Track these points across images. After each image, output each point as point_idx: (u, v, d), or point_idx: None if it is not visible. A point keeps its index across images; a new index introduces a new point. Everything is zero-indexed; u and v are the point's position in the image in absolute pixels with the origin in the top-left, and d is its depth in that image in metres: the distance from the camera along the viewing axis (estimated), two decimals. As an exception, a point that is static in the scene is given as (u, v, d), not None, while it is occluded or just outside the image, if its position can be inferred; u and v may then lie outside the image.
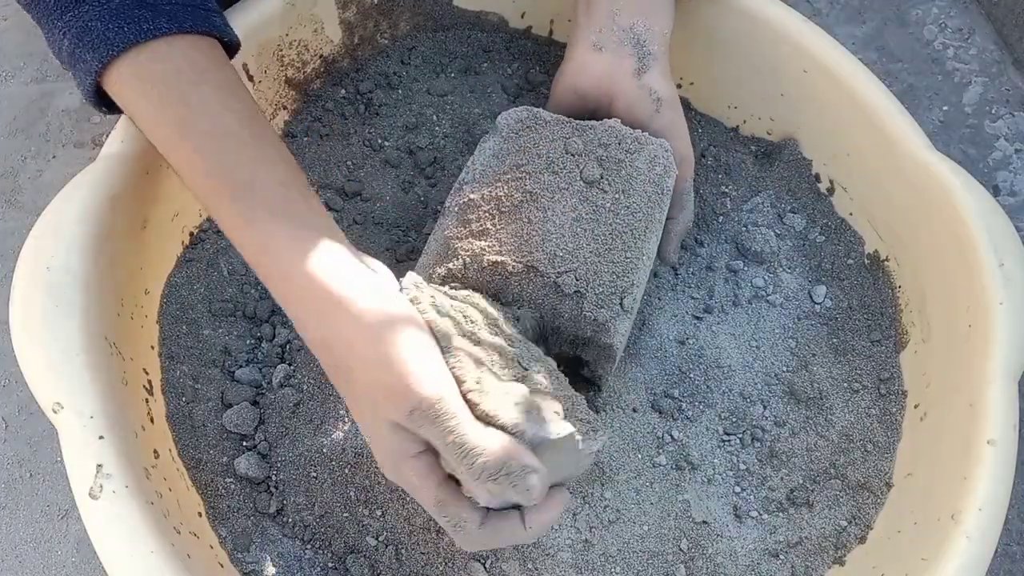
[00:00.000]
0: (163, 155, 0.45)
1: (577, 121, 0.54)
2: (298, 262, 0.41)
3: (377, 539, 0.49)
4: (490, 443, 0.37)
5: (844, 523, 0.52)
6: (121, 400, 0.45)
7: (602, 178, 0.51)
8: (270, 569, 0.48)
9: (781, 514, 0.53)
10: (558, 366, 0.45)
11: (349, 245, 0.44)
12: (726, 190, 0.63)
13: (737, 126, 0.67)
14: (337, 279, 0.41)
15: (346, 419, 0.51)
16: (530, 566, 0.48)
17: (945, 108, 0.82)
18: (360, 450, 0.50)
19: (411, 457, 0.39)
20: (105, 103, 0.46)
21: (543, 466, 0.38)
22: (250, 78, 0.58)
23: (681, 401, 0.55)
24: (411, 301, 0.43)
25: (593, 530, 0.50)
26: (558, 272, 0.48)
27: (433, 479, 0.40)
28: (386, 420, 0.39)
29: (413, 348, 0.39)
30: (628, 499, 0.51)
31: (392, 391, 0.38)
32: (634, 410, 0.54)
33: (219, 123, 0.44)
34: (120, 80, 0.44)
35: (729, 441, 0.55)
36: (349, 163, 0.61)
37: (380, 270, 0.44)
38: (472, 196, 0.51)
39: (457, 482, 0.40)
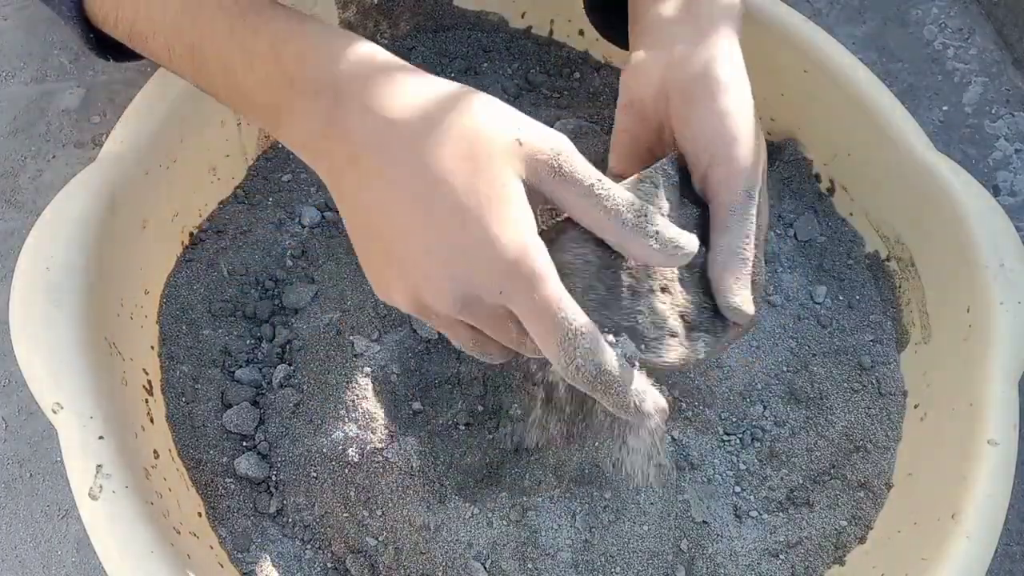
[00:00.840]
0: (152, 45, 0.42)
1: None
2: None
3: (377, 539, 0.49)
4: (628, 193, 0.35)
5: (844, 523, 0.52)
6: (121, 400, 0.45)
7: None
8: (270, 569, 0.48)
9: (781, 514, 0.53)
10: None
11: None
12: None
13: (737, 126, 0.67)
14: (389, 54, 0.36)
15: (346, 419, 0.51)
16: (530, 566, 0.48)
17: (945, 108, 0.82)
18: (361, 450, 0.50)
19: (535, 234, 0.34)
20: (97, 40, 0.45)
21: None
22: (250, 78, 0.58)
23: (681, 401, 0.55)
24: None
25: (593, 530, 0.50)
26: None
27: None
28: (518, 179, 0.34)
29: (512, 109, 0.35)
30: (628, 499, 0.51)
31: (523, 147, 0.34)
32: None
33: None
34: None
35: (729, 441, 0.55)
36: (349, 163, 0.61)
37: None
38: None
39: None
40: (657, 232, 0.35)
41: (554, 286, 0.34)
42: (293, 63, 0.37)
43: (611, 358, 0.35)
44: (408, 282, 0.36)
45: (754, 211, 0.40)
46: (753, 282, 0.40)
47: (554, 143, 0.35)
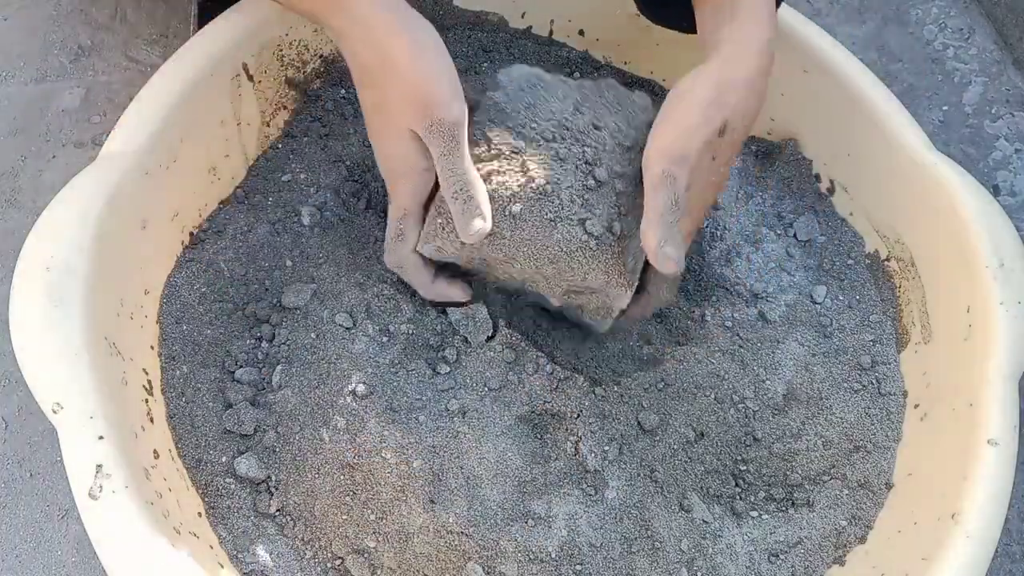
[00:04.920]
0: None
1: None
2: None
3: (377, 539, 0.49)
4: (476, 179, 0.49)
5: (844, 523, 0.52)
6: (121, 400, 0.45)
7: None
8: (270, 569, 0.48)
9: (781, 514, 0.53)
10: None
11: None
12: (725, 190, 0.63)
13: (737, 126, 0.67)
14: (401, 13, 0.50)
15: (346, 419, 0.51)
16: (530, 567, 0.48)
17: (945, 108, 0.82)
18: (360, 450, 0.50)
19: (413, 172, 0.50)
20: None
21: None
22: (250, 78, 0.58)
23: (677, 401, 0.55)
24: None
25: (594, 531, 0.50)
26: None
27: (418, 198, 0.51)
28: (406, 127, 0.49)
29: (452, 80, 0.50)
30: (628, 499, 0.51)
31: (424, 103, 0.48)
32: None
33: None
34: None
35: (729, 441, 0.55)
36: (349, 163, 0.61)
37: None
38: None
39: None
40: (463, 213, 0.49)
41: (404, 199, 0.52)
42: None
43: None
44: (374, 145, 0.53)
45: (670, 185, 0.48)
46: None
47: (440, 114, 0.48)
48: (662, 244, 0.48)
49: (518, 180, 0.50)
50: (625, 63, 0.71)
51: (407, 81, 0.48)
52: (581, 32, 0.69)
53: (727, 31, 0.51)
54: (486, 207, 0.49)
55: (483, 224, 0.49)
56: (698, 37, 0.54)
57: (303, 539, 0.49)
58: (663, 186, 0.48)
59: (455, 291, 0.54)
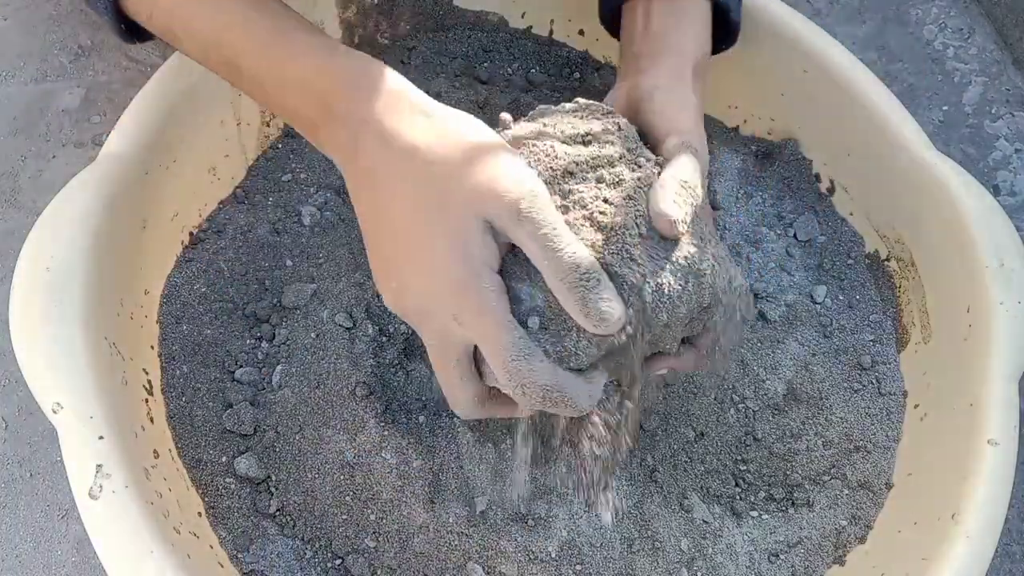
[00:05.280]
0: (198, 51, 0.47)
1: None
2: (367, 70, 0.43)
3: (377, 539, 0.49)
4: (582, 249, 0.39)
5: (844, 523, 0.52)
6: (121, 400, 0.45)
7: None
8: (270, 569, 0.48)
9: (781, 514, 0.53)
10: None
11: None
12: (725, 190, 0.63)
13: (737, 126, 0.67)
14: (409, 87, 0.43)
15: (346, 419, 0.51)
16: (530, 567, 0.48)
17: (945, 108, 0.82)
18: (360, 450, 0.50)
19: (488, 276, 0.39)
20: (128, 28, 0.49)
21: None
22: (250, 78, 0.58)
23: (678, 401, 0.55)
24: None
25: (594, 531, 0.50)
26: None
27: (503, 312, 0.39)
28: (477, 217, 0.39)
29: (502, 147, 0.41)
30: (628, 499, 0.51)
31: (490, 187, 0.38)
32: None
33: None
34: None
35: (729, 441, 0.55)
36: (349, 163, 0.61)
37: None
38: None
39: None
40: (589, 301, 0.38)
41: (499, 316, 0.39)
42: (326, 95, 0.43)
43: (552, 375, 0.39)
44: (389, 283, 0.42)
45: (695, 158, 0.45)
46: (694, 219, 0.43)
47: (520, 190, 0.39)
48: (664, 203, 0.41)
49: (595, 238, 0.40)
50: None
51: (469, 160, 0.40)
52: (581, 32, 0.69)
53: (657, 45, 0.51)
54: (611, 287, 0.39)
55: (620, 307, 0.39)
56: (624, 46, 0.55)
57: (303, 539, 0.49)
58: (682, 151, 0.44)
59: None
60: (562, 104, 0.46)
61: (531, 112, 0.46)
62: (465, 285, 0.39)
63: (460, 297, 0.39)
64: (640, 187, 0.42)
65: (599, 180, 0.42)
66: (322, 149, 0.45)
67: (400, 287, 0.41)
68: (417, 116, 0.42)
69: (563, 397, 0.39)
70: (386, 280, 0.42)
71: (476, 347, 0.41)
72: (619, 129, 0.44)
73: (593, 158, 0.42)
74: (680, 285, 0.41)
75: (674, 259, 0.41)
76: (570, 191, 0.41)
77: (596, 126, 0.44)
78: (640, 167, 0.43)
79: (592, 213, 0.40)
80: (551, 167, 0.42)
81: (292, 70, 0.44)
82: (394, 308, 0.43)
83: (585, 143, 0.43)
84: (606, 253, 0.40)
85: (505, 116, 0.46)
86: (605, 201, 0.41)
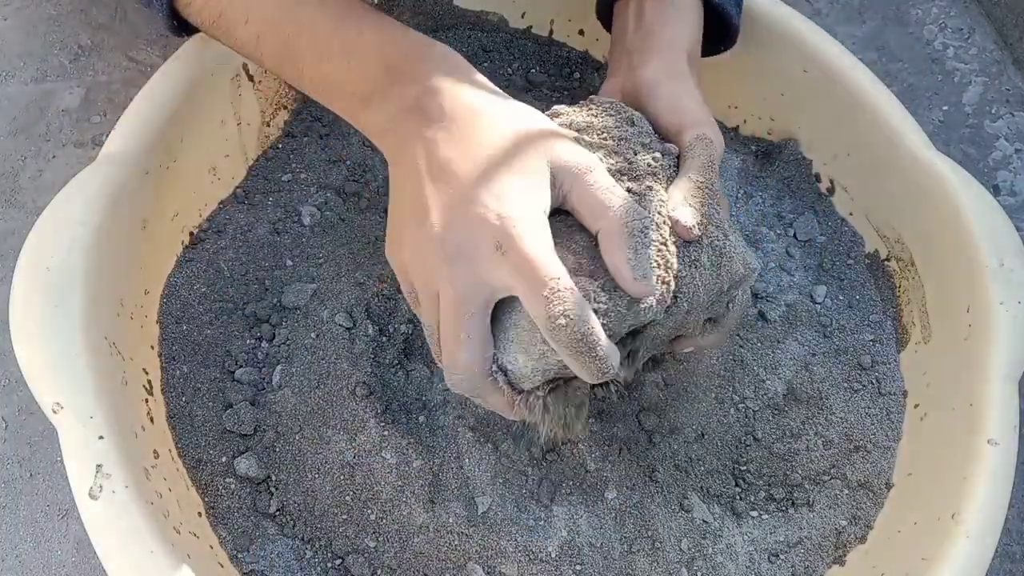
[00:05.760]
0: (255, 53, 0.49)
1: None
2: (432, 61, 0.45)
3: (377, 539, 0.49)
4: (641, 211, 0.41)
5: (844, 523, 0.52)
6: (121, 400, 0.45)
7: None
8: (270, 569, 0.48)
9: (781, 514, 0.53)
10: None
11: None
12: (725, 190, 0.64)
13: (737, 126, 0.67)
14: (473, 69, 0.46)
15: (346, 419, 0.51)
16: (530, 567, 0.48)
17: (945, 108, 0.82)
18: (360, 450, 0.50)
19: (541, 216, 0.40)
20: (181, 26, 0.50)
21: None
22: (250, 78, 0.58)
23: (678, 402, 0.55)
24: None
25: (594, 531, 0.50)
26: None
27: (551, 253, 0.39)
28: (548, 166, 0.41)
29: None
30: (628, 499, 0.51)
31: (563, 145, 0.41)
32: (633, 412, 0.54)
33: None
34: None
35: (729, 442, 0.55)
36: (349, 163, 0.61)
37: None
38: None
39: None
40: (637, 257, 0.40)
41: (544, 248, 0.39)
42: (399, 59, 0.45)
43: (593, 321, 0.38)
44: (422, 228, 0.41)
45: (711, 150, 0.46)
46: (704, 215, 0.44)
47: (586, 159, 0.42)
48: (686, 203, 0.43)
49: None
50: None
51: (540, 130, 0.42)
52: (581, 32, 0.69)
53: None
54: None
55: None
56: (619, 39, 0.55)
57: (303, 539, 0.49)
58: (700, 146, 0.46)
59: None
60: (576, 104, 0.48)
61: (546, 112, 0.47)
62: (522, 218, 0.39)
63: (513, 227, 0.38)
64: (660, 179, 0.44)
65: (620, 173, 0.44)
66: (364, 123, 0.46)
67: (445, 223, 0.40)
68: (482, 91, 0.44)
69: (596, 348, 0.38)
70: (418, 225, 0.41)
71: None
72: (632, 124, 0.46)
73: (615, 153, 0.44)
74: (702, 276, 0.43)
75: (694, 252, 0.43)
76: None
77: (610, 122, 0.45)
78: (656, 160, 0.45)
79: None
80: None
81: (365, 40, 0.45)
82: (401, 266, 0.43)
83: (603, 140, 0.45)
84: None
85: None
86: (629, 191, 0.43)
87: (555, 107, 0.48)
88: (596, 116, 0.46)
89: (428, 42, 0.46)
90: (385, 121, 0.44)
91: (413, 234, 0.41)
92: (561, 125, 0.46)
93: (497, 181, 0.40)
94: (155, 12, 0.50)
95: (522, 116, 0.43)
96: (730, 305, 0.46)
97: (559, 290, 0.37)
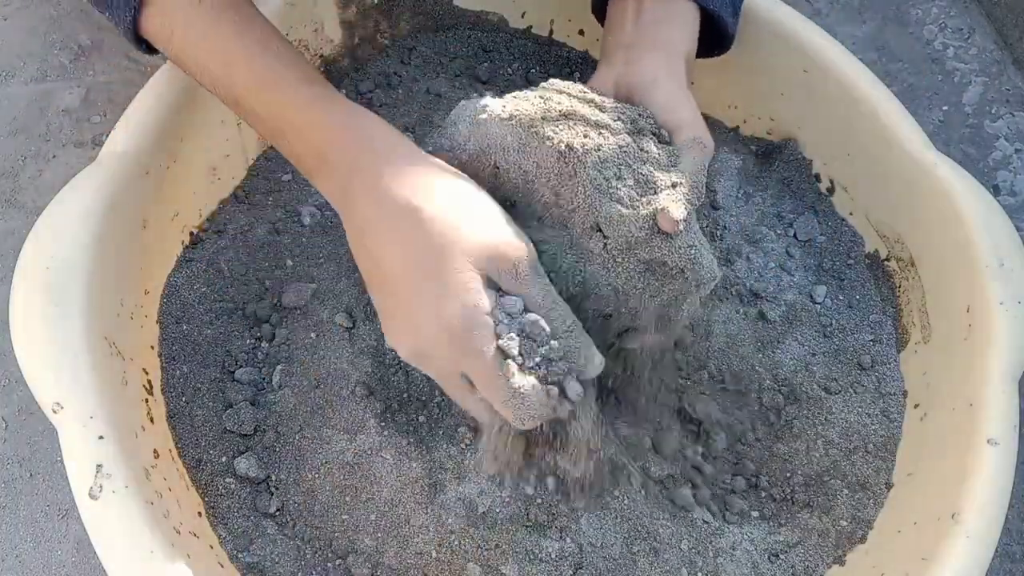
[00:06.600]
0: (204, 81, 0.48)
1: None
2: (356, 118, 0.45)
3: (377, 539, 0.49)
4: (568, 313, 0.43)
5: (844, 523, 0.52)
6: (121, 400, 0.45)
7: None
8: (270, 569, 0.48)
9: (781, 514, 0.53)
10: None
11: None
12: (725, 190, 0.63)
13: (737, 126, 0.67)
14: (400, 140, 0.45)
15: (345, 419, 0.51)
16: (530, 567, 0.48)
17: (945, 108, 0.82)
18: (359, 450, 0.50)
19: (488, 324, 0.41)
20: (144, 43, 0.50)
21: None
22: (250, 78, 0.58)
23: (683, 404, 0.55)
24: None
25: (594, 531, 0.50)
26: None
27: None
28: (477, 272, 0.41)
29: (494, 206, 0.44)
30: (628, 499, 0.51)
31: (493, 246, 0.41)
32: (634, 412, 0.54)
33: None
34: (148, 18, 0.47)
35: (729, 442, 0.55)
36: (349, 163, 0.61)
37: None
38: None
39: None
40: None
41: (492, 358, 0.41)
42: (321, 145, 0.45)
43: (552, 408, 0.42)
44: (388, 329, 0.44)
45: (705, 154, 0.48)
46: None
47: (520, 252, 0.42)
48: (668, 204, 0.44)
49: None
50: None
51: (467, 218, 0.42)
52: (581, 32, 0.69)
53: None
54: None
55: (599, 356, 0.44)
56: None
57: (303, 538, 0.49)
58: (696, 148, 0.47)
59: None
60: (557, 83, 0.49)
61: (516, 92, 0.47)
62: (461, 329, 0.41)
63: (455, 341, 0.41)
64: (651, 168, 0.45)
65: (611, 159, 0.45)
66: (321, 190, 0.47)
67: (401, 335, 0.43)
68: (407, 170, 0.43)
69: (564, 413, 0.43)
70: (384, 321, 0.44)
71: None
72: (626, 114, 0.47)
73: (617, 140, 0.45)
74: (668, 272, 0.45)
75: (667, 246, 0.44)
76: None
77: (607, 117, 0.46)
78: (648, 150, 0.46)
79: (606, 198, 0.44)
80: (586, 146, 0.44)
81: (290, 118, 0.46)
82: (400, 352, 0.44)
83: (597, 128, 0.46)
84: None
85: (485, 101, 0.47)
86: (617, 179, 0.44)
87: (543, 83, 0.48)
88: (589, 107, 0.47)
89: (352, 121, 0.46)
90: (331, 196, 0.46)
91: (387, 331, 0.45)
92: (557, 93, 0.47)
93: (429, 304, 0.41)
94: (120, 33, 0.50)
95: (451, 216, 0.42)
96: (684, 307, 0.47)
97: (508, 398, 0.41)
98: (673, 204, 0.43)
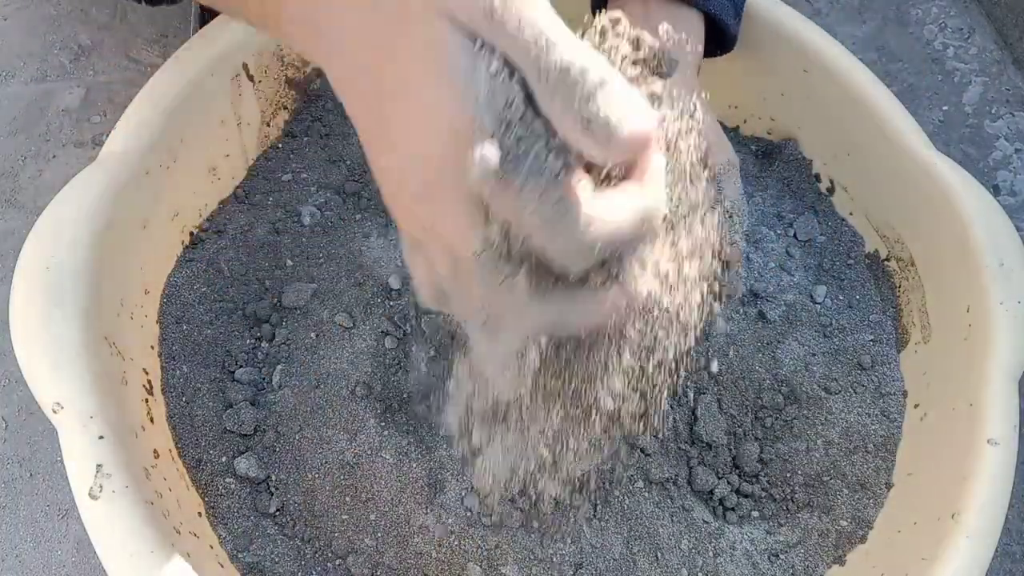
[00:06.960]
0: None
1: None
2: None
3: (377, 539, 0.49)
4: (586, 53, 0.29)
5: (844, 523, 0.52)
6: (121, 400, 0.45)
7: None
8: (270, 569, 0.48)
9: (781, 514, 0.53)
10: None
11: None
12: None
13: (737, 126, 0.67)
14: None
15: (345, 419, 0.51)
16: (530, 567, 0.48)
17: (945, 108, 0.82)
18: (360, 450, 0.50)
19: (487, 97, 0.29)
20: None
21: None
22: (250, 78, 0.58)
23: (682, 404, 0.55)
24: None
25: (594, 531, 0.50)
26: None
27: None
28: (443, 16, 0.29)
29: None
30: (629, 500, 0.51)
31: None
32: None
33: None
34: None
35: (729, 441, 0.55)
36: (349, 163, 0.61)
37: None
38: None
39: None
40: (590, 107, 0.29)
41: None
42: None
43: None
44: (378, 163, 0.33)
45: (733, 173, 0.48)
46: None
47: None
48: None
49: None
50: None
51: None
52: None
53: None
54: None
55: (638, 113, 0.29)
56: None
57: (303, 538, 0.49)
58: (732, 174, 0.47)
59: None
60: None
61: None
62: (460, 125, 0.29)
63: (458, 139, 0.29)
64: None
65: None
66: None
67: (390, 161, 0.32)
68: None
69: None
70: (375, 158, 0.33)
71: None
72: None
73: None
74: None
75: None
76: None
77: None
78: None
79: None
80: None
81: None
82: (395, 197, 0.33)
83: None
84: None
85: None
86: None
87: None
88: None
89: None
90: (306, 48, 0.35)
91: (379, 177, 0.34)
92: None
93: (404, 98, 0.30)
94: None
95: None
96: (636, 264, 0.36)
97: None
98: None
